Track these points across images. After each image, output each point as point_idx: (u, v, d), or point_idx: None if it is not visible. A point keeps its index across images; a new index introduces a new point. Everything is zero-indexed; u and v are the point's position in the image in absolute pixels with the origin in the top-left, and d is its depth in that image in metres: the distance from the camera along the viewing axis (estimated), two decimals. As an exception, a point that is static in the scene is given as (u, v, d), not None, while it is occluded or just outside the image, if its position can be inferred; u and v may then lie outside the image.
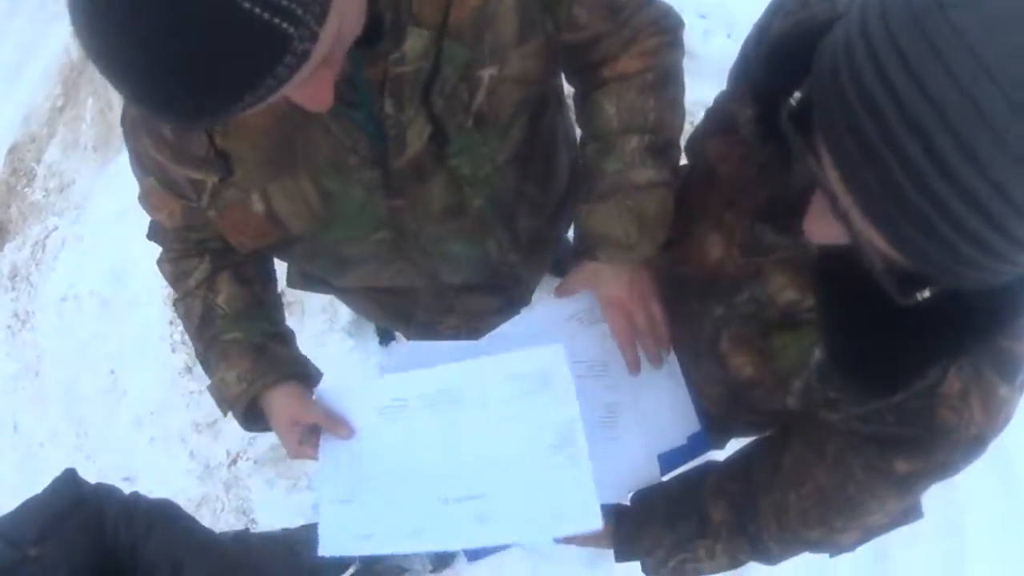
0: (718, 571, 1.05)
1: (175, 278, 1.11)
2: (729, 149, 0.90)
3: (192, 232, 1.05)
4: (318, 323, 2.27)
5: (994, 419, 0.74)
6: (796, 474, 0.91)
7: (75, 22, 0.57)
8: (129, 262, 2.51)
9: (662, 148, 0.98)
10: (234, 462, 2.29)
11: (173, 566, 1.26)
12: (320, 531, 1.07)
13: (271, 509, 2.21)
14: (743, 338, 0.88)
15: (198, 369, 2.41)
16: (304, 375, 1.11)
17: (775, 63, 0.76)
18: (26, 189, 2.80)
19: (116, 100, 2.72)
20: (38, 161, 2.79)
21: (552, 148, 1.13)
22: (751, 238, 0.86)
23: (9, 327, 2.75)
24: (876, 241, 0.55)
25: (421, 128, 0.87)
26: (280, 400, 1.06)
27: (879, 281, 0.59)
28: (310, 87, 0.67)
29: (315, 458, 1.08)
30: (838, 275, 0.74)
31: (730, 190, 0.89)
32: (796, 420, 0.91)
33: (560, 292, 1.05)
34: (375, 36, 0.78)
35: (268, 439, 2.30)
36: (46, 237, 2.70)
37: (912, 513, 0.91)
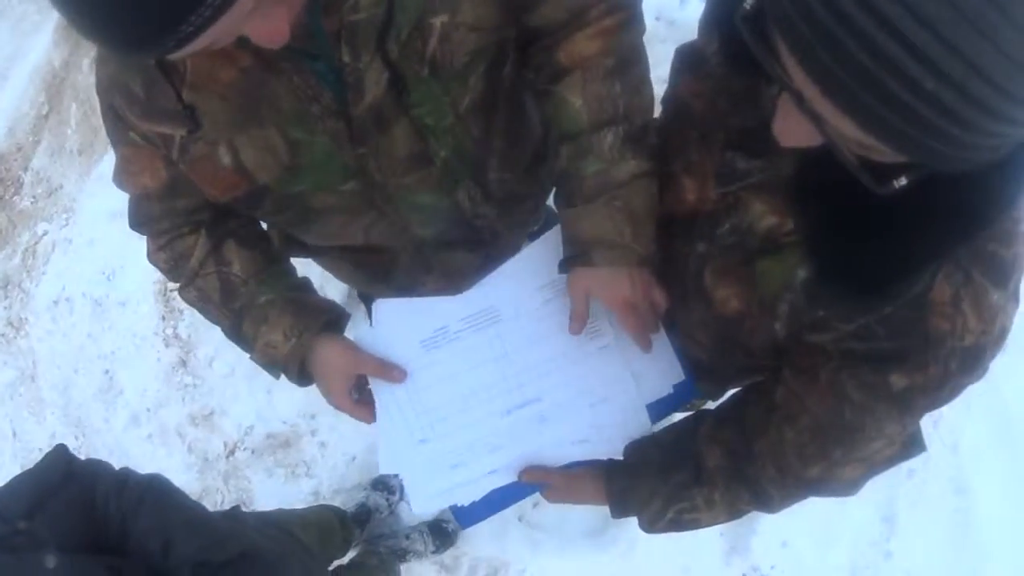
0: (717, 521, 1.03)
1: (172, 264, 1.08)
2: (700, 84, 0.90)
3: (179, 199, 1.03)
4: (308, 309, 2.28)
5: (990, 326, 0.72)
6: (790, 408, 0.90)
7: None
8: (119, 262, 2.52)
9: (638, 135, 0.95)
10: (232, 453, 2.30)
11: (164, 539, 1.26)
12: (407, 484, 1.10)
13: (271, 498, 2.21)
14: (726, 269, 0.88)
15: (192, 362, 2.43)
16: (339, 318, 1.11)
17: None
18: (14, 198, 2.81)
19: (99, 104, 2.75)
20: (25, 169, 2.80)
21: (519, 101, 1.13)
22: (724, 167, 0.86)
23: (3, 335, 2.76)
24: (844, 127, 0.55)
25: (378, 74, 0.88)
26: (328, 353, 1.05)
27: (855, 176, 0.59)
28: (263, 22, 0.69)
29: (372, 420, 1.09)
30: (815, 188, 0.74)
31: (703, 124, 0.89)
32: (787, 355, 0.90)
33: (572, 320, 1.01)
34: None
35: (264, 428, 2.31)
36: (36, 243, 2.71)
37: (913, 444, 0.89)
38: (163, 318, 2.43)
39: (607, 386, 1.07)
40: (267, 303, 1.05)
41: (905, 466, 0.91)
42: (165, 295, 2.44)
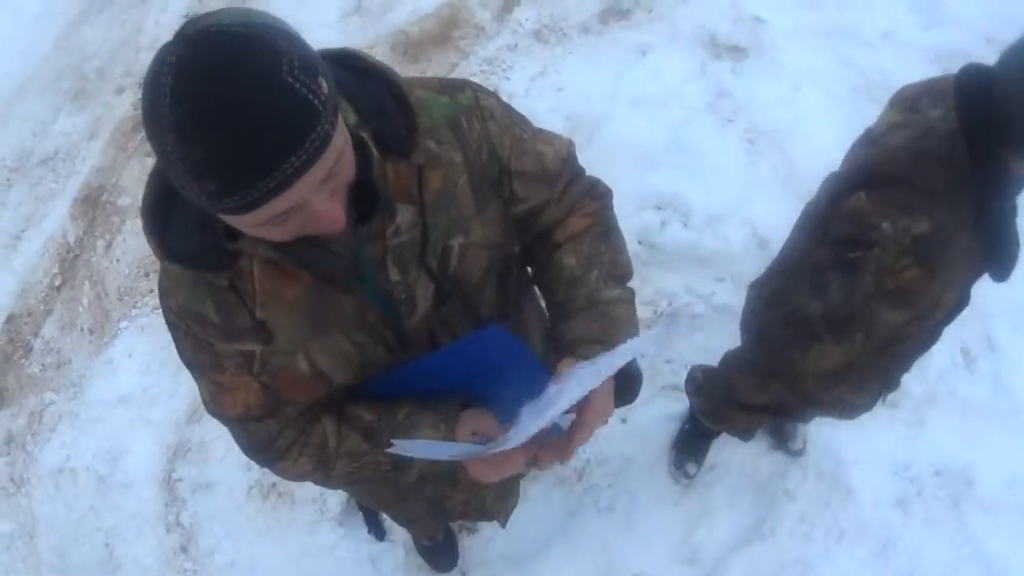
0: None
1: (316, 460, 1.14)
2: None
3: (287, 406, 1.09)
4: (308, 513, 2.51)
5: None
6: None
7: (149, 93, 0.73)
8: (124, 445, 2.71)
9: (620, 277, 1.15)
10: (225, 640, 2.50)
11: None
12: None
13: None
14: None
15: (193, 550, 2.64)
16: (467, 398, 1.19)
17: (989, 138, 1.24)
18: (23, 360, 2.99)
19: (112, 287, 2.95)
20: (35, 335, 2.98)
21: (521, 310, 1.29)
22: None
23: (4, 488, 2.91)
24: None
25: (425, 287, 1.04)
26: (466, 425, 1.14)
27: None
28: (325, 203, 0.81)
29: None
30: None
31: (951, 268, 1.36)
32: None
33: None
34: (369, 212, 0.94)
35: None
36: (42, 410, 2.89)
37: None
38: (166, 505, 2.64)
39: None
40: (409, 413, 1.12)
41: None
42: (169, 483, 2.65)
